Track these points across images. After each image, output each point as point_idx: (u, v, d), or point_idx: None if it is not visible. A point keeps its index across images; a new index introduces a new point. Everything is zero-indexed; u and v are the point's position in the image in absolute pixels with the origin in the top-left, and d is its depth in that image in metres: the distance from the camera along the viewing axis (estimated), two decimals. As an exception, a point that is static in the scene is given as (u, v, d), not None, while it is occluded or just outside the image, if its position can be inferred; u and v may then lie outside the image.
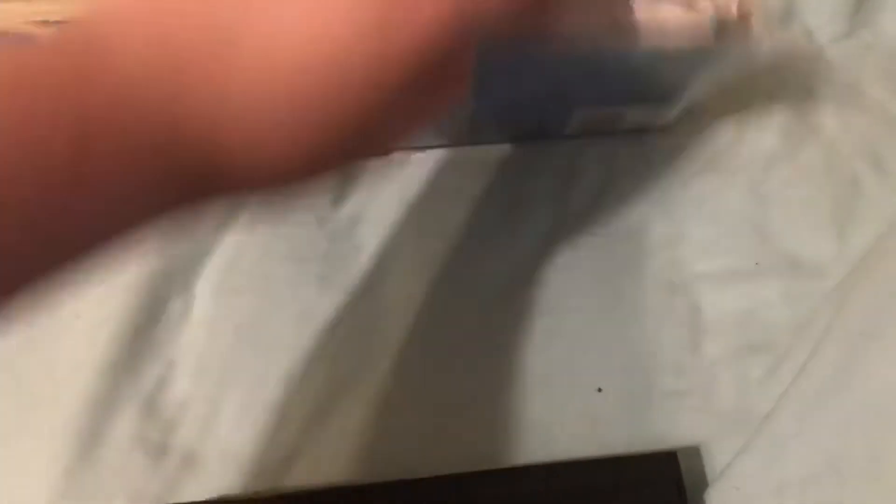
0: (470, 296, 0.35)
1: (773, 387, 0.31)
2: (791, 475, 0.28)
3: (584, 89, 0.33)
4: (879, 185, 0.36)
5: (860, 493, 0.27)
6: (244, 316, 0.35)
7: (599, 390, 0.32)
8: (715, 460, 0.30)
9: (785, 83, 0.39)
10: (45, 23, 0.44)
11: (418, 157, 0.39)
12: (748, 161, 0.38)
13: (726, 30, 0.29)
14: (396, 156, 0.39)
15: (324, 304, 0.35)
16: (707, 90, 0.37)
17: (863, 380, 0.29)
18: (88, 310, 0.35)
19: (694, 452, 0.31)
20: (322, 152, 0.18)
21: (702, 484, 0.30)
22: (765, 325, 0.33)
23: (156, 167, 0.17)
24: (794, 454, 0.29)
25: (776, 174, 0.37)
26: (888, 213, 0.34)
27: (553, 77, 0.31)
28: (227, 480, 0.31)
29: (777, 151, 0.38)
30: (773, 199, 0.36)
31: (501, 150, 0.39)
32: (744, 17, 0.29)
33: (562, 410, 0.32)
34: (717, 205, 0.37)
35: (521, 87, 0.31)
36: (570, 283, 0.35)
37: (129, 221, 0.18)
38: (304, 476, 0.31)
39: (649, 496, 0.29)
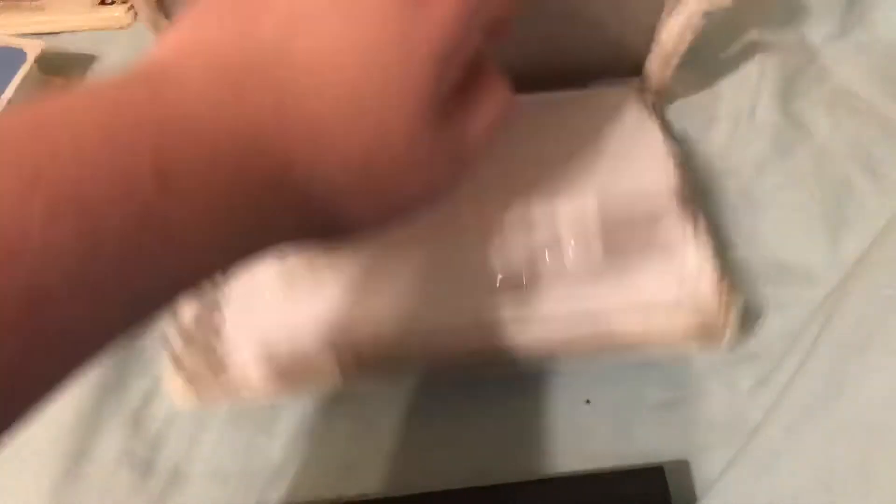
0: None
1: (764, 397, 0.31)
2: (781, 490, 0.28)
3: None
4: (872, 188, 0.35)
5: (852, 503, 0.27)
6: (230, 329, 0.35)
7: (588, 402, 0.32)
8: (704, 473, 0.30)
9: (776, 84, 0.39)
10: (34, 35, 0.44)
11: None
12: (739, 165, 0.37)
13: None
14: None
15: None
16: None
17: (853, 392, 0.28)
18: (74, 325, 0.35)
19: (682, 466, 0.30)
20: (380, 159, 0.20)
21: (691, 498, 0.30)
22: (755, 334, 0.33)
23: (241, 194, 0.17)
24: (783, 468, 0.28)
25: (767, 178, 0.36)
26: (881, 217, 0.34)
27: None
28: (213, 497, 0.31)
29: (768, 155, 0.37)
30: (763, 203, 0.36)
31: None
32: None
33: (550, 422, 0.32)
34: (708, 209, 0.36)
35: None
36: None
37: (211, 267, 0.18)
38: (290, 491, 0.31)
39: None
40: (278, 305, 0.32)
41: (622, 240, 0.32)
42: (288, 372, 0.31)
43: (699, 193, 0.36)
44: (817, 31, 0.41)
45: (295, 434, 0.32)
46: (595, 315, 0.31)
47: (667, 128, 0.37)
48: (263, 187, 0.18)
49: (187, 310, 0.32)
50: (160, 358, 0.34)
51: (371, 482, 0.31)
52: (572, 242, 0.31)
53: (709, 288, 0.31)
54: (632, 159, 0.34)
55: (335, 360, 0.31)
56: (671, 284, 0.31)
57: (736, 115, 0.38)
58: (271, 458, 0.32)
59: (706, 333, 0.31)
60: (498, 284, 0.31)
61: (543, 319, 0.31)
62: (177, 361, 0.31)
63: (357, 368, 0.31)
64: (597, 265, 0.31)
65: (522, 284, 0.31)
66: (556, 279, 0.31)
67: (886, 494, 0.27)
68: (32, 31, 0.45)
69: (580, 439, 0.31)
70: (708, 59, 0.40)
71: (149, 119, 0.16)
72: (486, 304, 0.31)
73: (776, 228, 0.35)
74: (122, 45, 0.45)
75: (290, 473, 0.31)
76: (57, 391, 0.16)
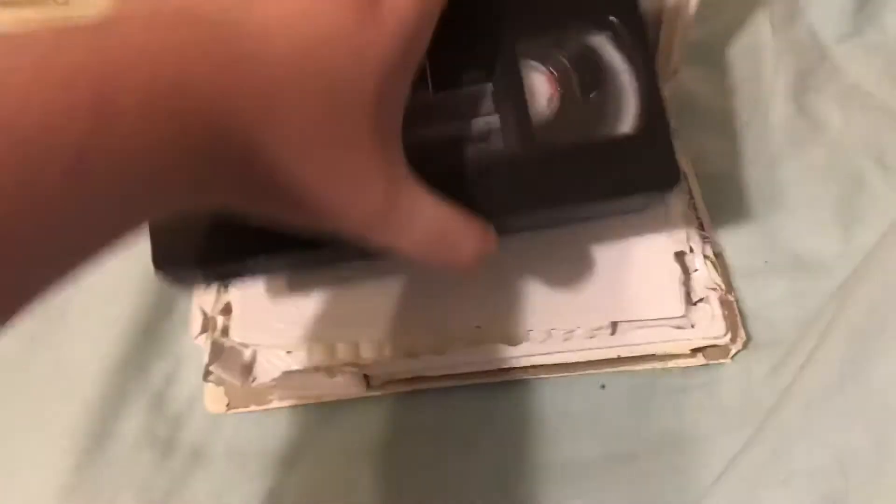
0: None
1: (779, 382, 0.31)
2: (798, 468, 0.28)
3: None
4: (884, 183, 0.36)
5: (866, 486, 0.27)
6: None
7: (603, 387, 0.32)
8: (721, 455, 0.30)
9: (788, 81, 0.39)
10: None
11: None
12: (753, 158, 0.38)
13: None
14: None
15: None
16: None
17: (869, 374, 0.29)
18: (98, 308, 0.35)
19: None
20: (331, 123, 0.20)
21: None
22: (770, 323, 0.33)
23: (173, 130, 0.17)
24: (800, 447, 0.28)
25: (781, 172, 0.37)
26: (892, 210, 0.34)
27: None
28: (233, 476, 0.32)
29: (782, 149, 0.38)
30: (778, 196, 0.36)
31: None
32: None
33: (565, 407, 0.32)
34: (723, 203, 0.37)
35: None
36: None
37: (145, 204, 0.18)
38: (307, 473, 0.31)
39: None
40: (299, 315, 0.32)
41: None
42: (311, 381, 0.32)
43: (715, 190, 0.37)
44: (829, 30, 0.41)
45: (313, 418, 0.33)
46: (599, 334, 0.31)
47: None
48: (202, 142, 0.18)
49: (217, 320, 0.32)
50: (182, 340, 0.35)
51: (388, 468, 0.31)
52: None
53: (717, 310, 0.32)
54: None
55: (357, 370, 0.32)
56: (677, 305, 0.31)
57: (749, 112, 0.39)
58: (289, 440, 0.32)
59: (713, 353, 0.32)
60: None
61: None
62: (207, 372, 0.31)
63: (378, 377, 0.32)
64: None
65: None
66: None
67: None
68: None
69: (595, 422, 0.31)
70: (720, 57, 0.41)
71: (93, 52, 0.16)
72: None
73: (790, 221, 0.36)
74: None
75: (307, 456, 0.32)
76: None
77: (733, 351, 0.32)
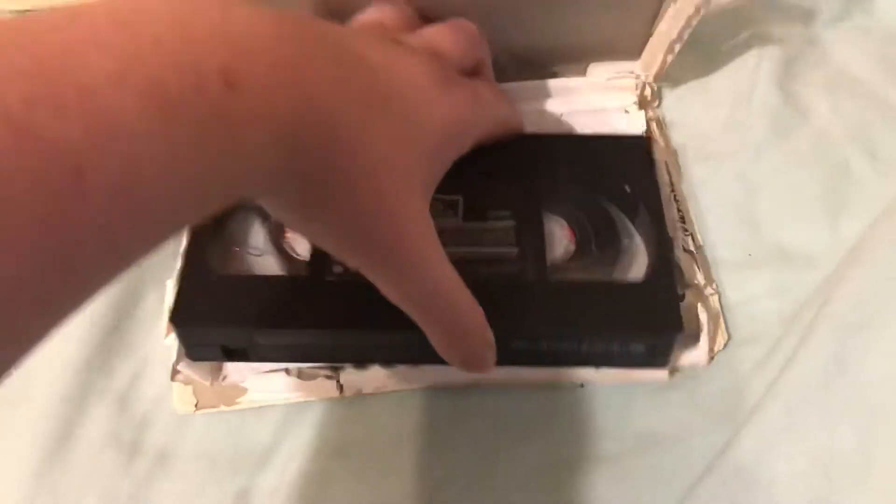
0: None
1: (763, 379, 0.30)
2: (780, 470, 0.27)
3: None
4: (871, 171, 0.35)
5: (850, 488, 0.27)
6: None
7: (582, 386, 0.31)
8: (702, 455, 0.29)
9: (775, 68, 0.38)
10: (20, 12, 0.43)
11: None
12: (737, 148, 0.37)
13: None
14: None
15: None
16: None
17: (853, 372, 0.28)
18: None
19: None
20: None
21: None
22: (754, 318, 0.32)
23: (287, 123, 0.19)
24: (783, 449, 0.28)
25: (766, 161, 0.36)
26: (880, 200, 0.33)
27: None
28: (200, 479, 0.31)
29: (767, 137, 0.37)
30: (763, 186, 0.35)
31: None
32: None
33: (544, 407, 0.31)
34: (706, 193, 0.36)
35: None
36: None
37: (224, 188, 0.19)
38: (279, 475, 0.30)
39: None
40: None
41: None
42: (284, 382, 0.32)
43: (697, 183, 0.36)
44: (818, 15, 0.40)
45: (284, 417, 0.32)
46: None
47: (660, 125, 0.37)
48: (295, 129, 0.19)
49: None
50: (148, 340, 0.34)
51: (361, 466, 0.30)
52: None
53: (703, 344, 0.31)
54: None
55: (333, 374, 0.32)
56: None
57: (734, 99, 0.38)
58: (260, 441, 0.31)
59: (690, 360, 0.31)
60: None
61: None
62: (175, 371, 0.31)
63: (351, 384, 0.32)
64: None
65: None
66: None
67: (886, 475, 0.26)
68: (19, 10, 0.44)
69: (574, 422, 0.31)
70: (706, 42, 0.40)
71: (222, 28, 0.17)
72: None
73: (775, 211, 0.35)
74: None
75: (280, 457, 0.31)
76: (125, 268, 0.16)
77: (714, 352, 0.31)
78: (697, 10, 0.33)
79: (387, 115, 0.23)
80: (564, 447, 0.30)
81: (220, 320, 0.30)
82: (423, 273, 0.24)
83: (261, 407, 0.32)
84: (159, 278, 0.35)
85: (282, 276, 0.31)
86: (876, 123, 0.36)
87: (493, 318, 0.26)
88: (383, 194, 0.22)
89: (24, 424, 0.31)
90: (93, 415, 0.32)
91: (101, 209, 0.14)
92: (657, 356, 0.30)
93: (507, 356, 0.28)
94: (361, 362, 0.32)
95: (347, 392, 0.32)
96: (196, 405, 0.32)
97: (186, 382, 0.32)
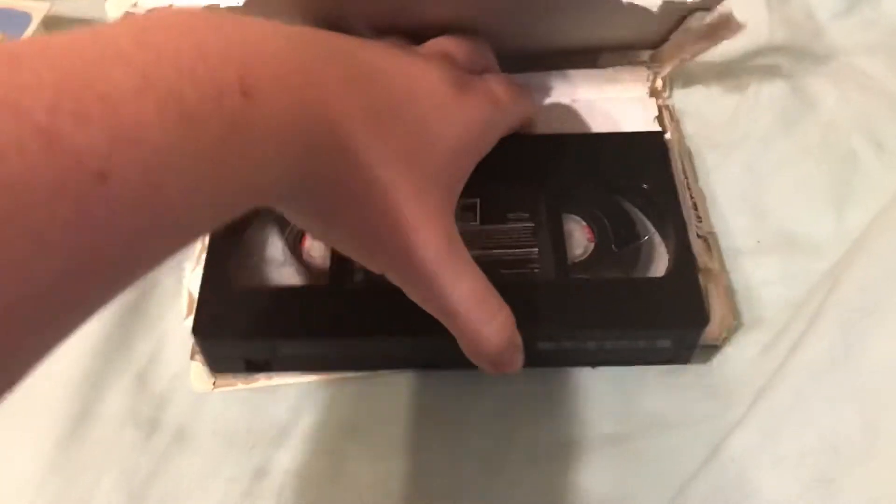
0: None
1: (770, 363, 0.31)
2: (787, 450, 0.28)
3: None
4: (878, 162, 0.36)
5: (857, 468, 0.27)
6: (236, 292, 0.35)
7: (593, 367, 0.32)
8: (711, 436, 0.30)
9: (783, 60, 0.39)
10: (38, -1, 0.44)
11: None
12: (745, 138, 0.37)
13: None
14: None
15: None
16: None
17: (858, 356, 0.28)
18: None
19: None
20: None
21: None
22: (761, 304, 0.33)
23: (297, 142, 0.19)
24: (790, 429, 0.28)
25: (774, 151, 0.37)
26: (886, 190, 0.34)
27: None
28: (217, 456, 0.31)
29: (775, 128, 0.37)
30: (770, 176, 0.36)
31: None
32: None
33: (554, 388, 0.32)
34: (714, 182, 0.36)
35: None
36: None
37: (257, 193, 0.19)
38: (294, 451, 0.31)
39: None
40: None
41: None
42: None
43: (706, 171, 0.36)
44: (825, 6, 0.41)
45: (299, 395, 0.32)
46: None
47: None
48: (313, 135, 0.20)
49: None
50: (166, 319, 0.34)
51: (375, 444, 0.31)
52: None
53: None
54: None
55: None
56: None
57: (742, 90, 0.39)
58: (276, 418, 0.32)
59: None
60: None
61: None
62: (195, 350, 0.32)
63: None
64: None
65: None
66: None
67: (890, 454, 0.27)
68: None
69: (584, 403, 0.31)
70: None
71: (237, 42, 0.18)
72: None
73: (783, 200, 0.35)
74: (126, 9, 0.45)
75: (295, 434, 0.31)
76: (148, 270, 0.17)
77: (724, 335, 0.32)
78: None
79: (401, 122, 0.23)
80: (575, 427, 0.31)
81: (242, 334, 0.30)
82: (445, 280, 0.24)
83: (277, 385, 0.32)
84: (177, 259, 0.35)
85: (302, 287, 0.32)
86: (882, 115, 0.37)
87: (517, 321, 0.26)
88: (399, 204, 0.23)
89: (45, 402, 0.32)
90: (112, 393, 0.32)
91: (124, 214, 0.15)
92: (682, 350, 0.30)
93: (533, 357, 0.27)
94: (388, 368, 0.32)
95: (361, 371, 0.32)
96: (214, 384, 0.32)
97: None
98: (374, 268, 0.25)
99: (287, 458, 0.31)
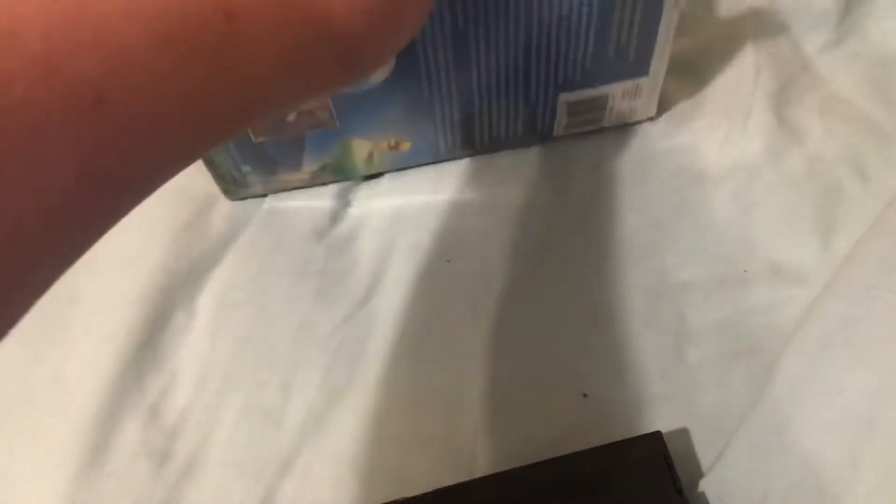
0: (460, 306, 0.36)
1: (756, 392, 0.31)
2: (773, 484, 0.28)
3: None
4: (862, 192, 0.37)
5: (841, 498, 0.28)
6: (244, 328, 0.37)
7: (585, 395, 0.33)
8: (699, 466, 0.31)
9: (770, 91, 0.40)
10: None
11: (412, 173, 0.40)
12: (733, 169, 0.38)
13: None
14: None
15: (320, 317, 0.36)
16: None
17: (837, 386, 0.29)
18: (96, 325, 0.36)
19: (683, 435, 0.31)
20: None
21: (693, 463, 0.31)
22: (749, 332, 0.34)
23: (295, 41, 0.20)
24: (774, 462, 0.29)
25: (761, 181, 0.38)
26: (870, 220, 0.35)
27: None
28: (226, 484, 0.33)
29: (762, 159, 0.38)
30: (757, 206, 0.37)
31: (493, 159, 0.40)
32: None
33: (548, 415, 0.33)
34: (703, 212, 0.37)
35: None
36: (558, 291, 0.36)
37: (269, 101, 0.20)
38: (299, 481, 0.32)
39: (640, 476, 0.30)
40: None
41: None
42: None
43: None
44: (812, 40, 0.42)
45: (303, 426, 0.34)
46: None
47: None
48: (307, 30, 0.20)
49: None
50: (177, 353, 0.36)
51: (375, 477, 0.32)
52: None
53: None
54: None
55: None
56: None
57: (730, 121, 0.40)
58: (281, 449, 0.33)
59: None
60: None
61: None
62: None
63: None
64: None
65: None
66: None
67: (873, 485, 0.27)
68: None
69: (578, 432, 0.32)
70: (703, 66, 0.42)
71: None
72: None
73: (769, 230, 0.36)
74: None
75: (299, 464, 0.33)
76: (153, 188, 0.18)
77: None
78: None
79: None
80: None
81: None
82: None
83: (280, 412, 0.34)
84: (188, 296, 0.37)
85: None
86: (867, 146, 0.38)
87: None
88: None
89: (63, 434, 0.34)
90: (126, 425, 0.34)
91: (122, 134, 0.16)
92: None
93: None
94: None
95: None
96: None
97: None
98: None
99: (291, 488, 0.32)
